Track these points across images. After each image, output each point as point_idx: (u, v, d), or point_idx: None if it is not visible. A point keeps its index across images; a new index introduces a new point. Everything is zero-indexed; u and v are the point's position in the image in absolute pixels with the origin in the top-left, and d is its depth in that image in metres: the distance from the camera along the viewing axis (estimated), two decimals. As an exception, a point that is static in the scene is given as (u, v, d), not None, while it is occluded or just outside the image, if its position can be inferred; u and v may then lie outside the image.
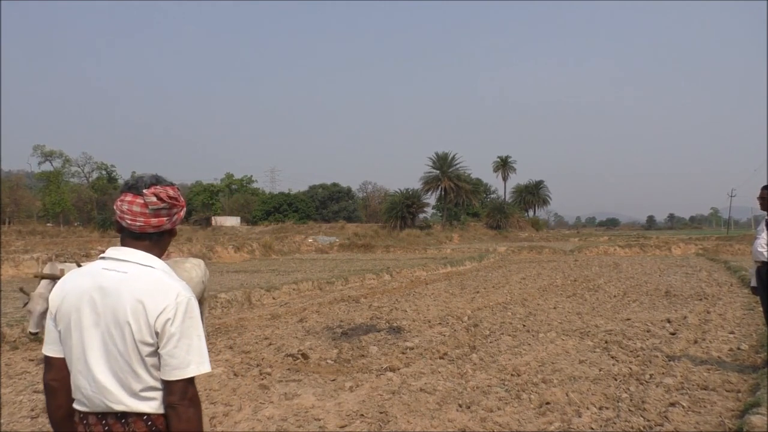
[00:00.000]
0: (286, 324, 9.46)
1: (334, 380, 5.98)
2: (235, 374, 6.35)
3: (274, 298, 12.67)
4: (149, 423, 1.72)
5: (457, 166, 56.69)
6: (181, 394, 1.70)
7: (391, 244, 34.88)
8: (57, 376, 1.81)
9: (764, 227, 5.78)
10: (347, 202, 76.29)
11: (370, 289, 14.38)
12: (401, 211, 51.97)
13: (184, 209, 1.92)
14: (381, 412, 4.87)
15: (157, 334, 1.70)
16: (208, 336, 8.54)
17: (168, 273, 1.81)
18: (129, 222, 1.79)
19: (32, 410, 5.13)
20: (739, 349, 6.88)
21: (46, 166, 59.25)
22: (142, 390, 1.72)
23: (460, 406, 4.99)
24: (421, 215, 56.73)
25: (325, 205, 73.41)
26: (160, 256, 1.86)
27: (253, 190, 79.20)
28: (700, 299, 11.31)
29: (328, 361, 6.80)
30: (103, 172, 66.13)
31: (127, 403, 1.71)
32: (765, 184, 5.70)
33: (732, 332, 7.91)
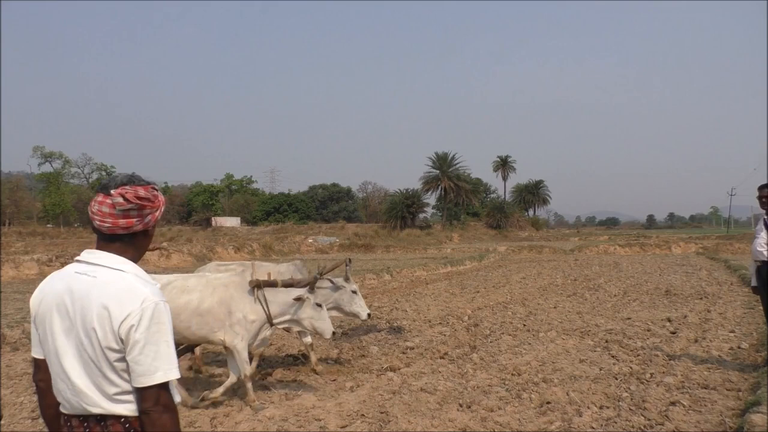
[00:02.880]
0: (287, 324, 9.46)
1: (334, 380, 5.98)
2: (235, 375, 6.35)
3: (274, 299, 12.66)
4: (127, 425, 1.73)
5: (457, 166, 56.74)
6: (154, 401, 1.69)
7: (391, 244, 34.88)
8: (44, 377, 1.83)
9: (763, 226, 5.79)
10: (347, 203, 76.33)
11: (370, 289, 14.38)
12: (401, 211, 51.97)
13: (161, 210, 1.87)
14: (382, 412, 4.87)
15: (122, 340, 1.68)
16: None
17: (140, 277, 1.78)
18: (98, 223, 1.78)
19: (33, 411, 5.13)
20: (739, 347, 6.88)
21: (46, 168, 59.41)
22: (117, 393, 1.72)
23: (461, 405, 4.99)
24: (421, 215, 56.72)
25: (325, 205, 73.44)
26: (135, 258, 1.84)
27: (253, 190, 79.26)
28: (701, 298, 11.31)
29: (329, 361, 6.80)
30: (103, 173, 66.20)
31: (103, 406, 1.72)
32: (764, 183, 5.71)
33: (732, 331, 7.91)
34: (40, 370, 1.84)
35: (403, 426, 4.54)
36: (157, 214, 1.86)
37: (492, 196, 77.20)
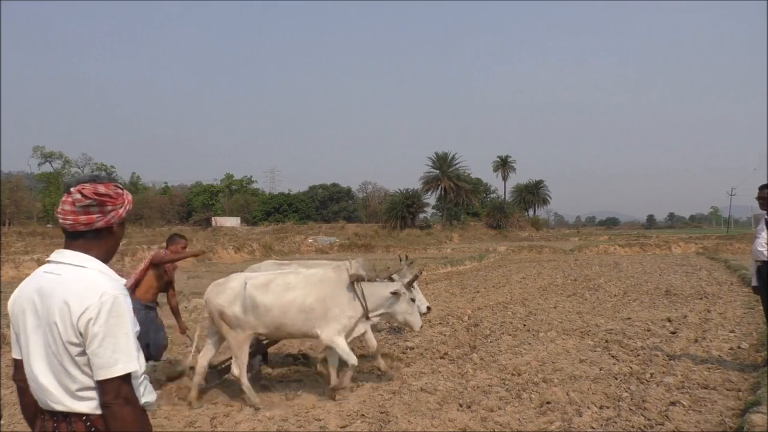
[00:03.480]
0: (287, 324, 9.46)
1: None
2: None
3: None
4: (88, 423, 1.76)
5: (457, 166, 56.65)
6: (115, 394, 1.72)
7: (391, 244, 34.86)
8: (23, 376, 1.87)
9: (764, 226, 5.79)
10: (347, 203, 76.35)
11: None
12: (401, 211, 51.93)
13: (125, 208, 1.91)
14: (382, 412, 4.87)
15: (81, 334, 1.72)
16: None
17: (103, 273, 1.82)
18: (62, 220, 1.83)
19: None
20: (739, 347, 6.88)
21: (46, 168, 59.42)
22: (79, 390, 1.75)
23: (461, 405, 4.99)
24: (421, 215, 56.67)
25: (325, 205, 73.45)
26: (101, 255, 1.87)
27: (253, 190, 79.22)
28: (701, 298, 11.31)
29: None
30: (103, 173, 65.99)
31: (65, 403, 1.76)
32: (764, 183, 5.71)
33: (732, 331, 7.91)
34: (20, 370, 1.89)
35: (403, 426, 4.54)
36: (120, 211, 1.89)
37: (492, 196, 77.12)
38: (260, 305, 5.17)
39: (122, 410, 1.72)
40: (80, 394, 1.76)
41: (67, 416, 1.77)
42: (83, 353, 1.74)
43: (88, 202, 1.82)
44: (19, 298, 1.84)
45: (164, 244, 6.00)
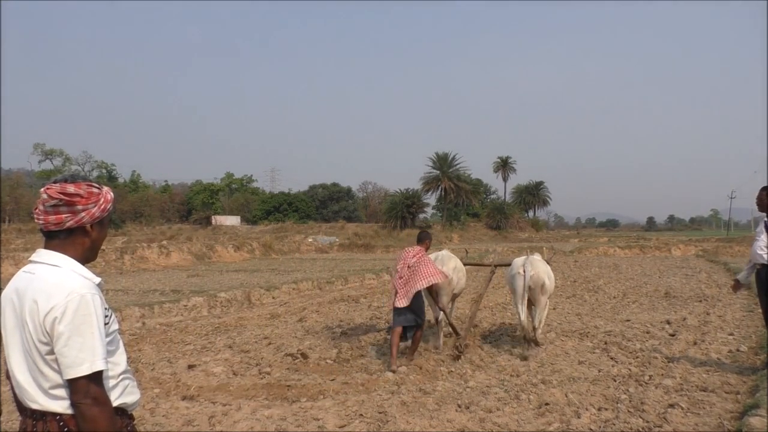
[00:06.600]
0: (286, 323, 9.47)
1: (333, 380, 5.98)
2: (234, 373, 6.35)
3: (273, 298, 12.67)
4: (61, 423, 1.76)
5: (457, 166, 56.62)
6: (84, 393, 1.72)
7: (391, 244, 34.83)
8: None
9: (763, 229, 5.78)
10: (347, 202, 76.38)
11: (369, 288, 14.39)
12: (401, 211, 51.93)
13: (100, 207, 1.88)
14: (380, 412, 4.87)
15: (47, 333, 1.73)
16: (207, 335, 8.53)
17: (75, 272, 1.82)
18: (36, 220, 1.86)
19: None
20: (738, 350, 6.88)
21: (47, 165, 59.46)
22: (51, 388, 1.76)
23: (459, 406, 4.99)
24: (421, 215, 56.66)
25: (325, 204, 73.48)
26: (78, 255, 1.87)
27: (253, 189, 79.29)
28: (700, 301, 11.30)
29: (328, 360, 6.80)
30: (104, 171, 66.25)
31: (40, 401, 1.76)
32: (764, 185, 5.71)
33: (731, 334, 7.91)
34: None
35: (401, 426, 4.54)
36: (93, 210, 1.87)
37: (492, 196, 77.08)
38: (552, 277, 7.20)
39: (91, 410, 1.71)
40: (53, 392, 1.76)
41: (44, 415, 1.77)
42: (52, 352, 1.74)
43: (54, 201, 1.81)
44: (3, 297, 1.86)
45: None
